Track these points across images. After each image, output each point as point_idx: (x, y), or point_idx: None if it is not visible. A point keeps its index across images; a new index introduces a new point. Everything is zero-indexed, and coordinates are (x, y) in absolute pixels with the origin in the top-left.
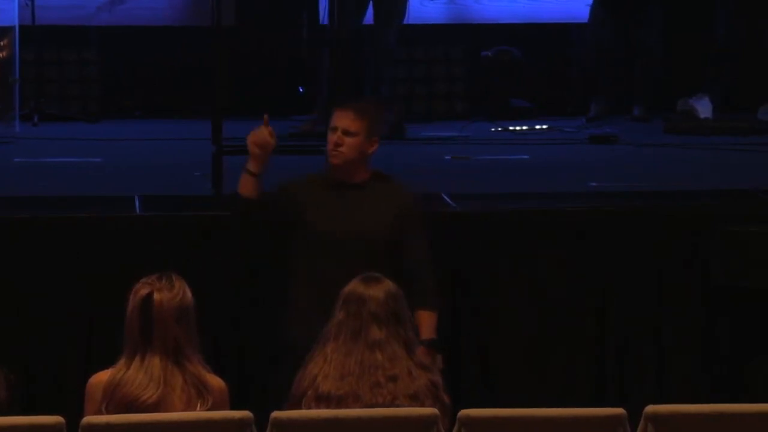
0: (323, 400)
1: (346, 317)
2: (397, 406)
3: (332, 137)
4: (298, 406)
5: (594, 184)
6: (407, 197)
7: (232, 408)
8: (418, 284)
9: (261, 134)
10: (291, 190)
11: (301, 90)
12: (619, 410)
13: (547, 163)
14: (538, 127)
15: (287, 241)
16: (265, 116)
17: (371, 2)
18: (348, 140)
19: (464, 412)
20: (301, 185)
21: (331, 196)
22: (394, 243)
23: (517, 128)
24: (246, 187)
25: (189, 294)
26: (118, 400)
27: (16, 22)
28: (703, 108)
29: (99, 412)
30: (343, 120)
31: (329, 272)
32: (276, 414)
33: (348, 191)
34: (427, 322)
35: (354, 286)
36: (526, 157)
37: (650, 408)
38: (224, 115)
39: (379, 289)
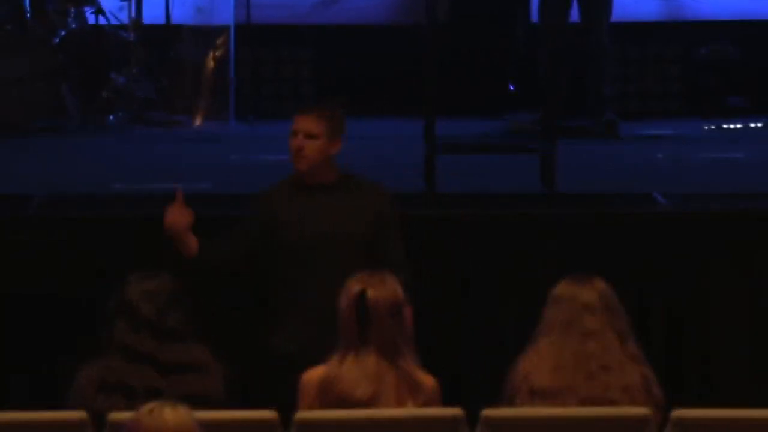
0: (538, 395)
1: (557, 312)
2: (610, 398)
3: (294, 142)
4: (511, 404)
5: None
6: (382, 195)
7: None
8: None
9: (170, 216)
10: (268, 200)
11: (511, 88)
12: None
13: (763, 161)
14: (752, 125)
15: (265, 249)
16: (179, 192)
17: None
18: (310, 143)
19: (677, 413)
20: (274, 193)
21: (301, 199)
22: (372, 242)
23: (731, 126)
24: (195, 258)
25: (400, 290)
26: (331, 396)
27: (232, 21)
28: None
29: (312, 408)
30: (303, 124)
31: (307, 276)
32: (487, 412)
33: (318, 193)
34: None
35: (564, 286)
36: (740, 155)
37: None
38: (437, 112)
39: (591, 287)
